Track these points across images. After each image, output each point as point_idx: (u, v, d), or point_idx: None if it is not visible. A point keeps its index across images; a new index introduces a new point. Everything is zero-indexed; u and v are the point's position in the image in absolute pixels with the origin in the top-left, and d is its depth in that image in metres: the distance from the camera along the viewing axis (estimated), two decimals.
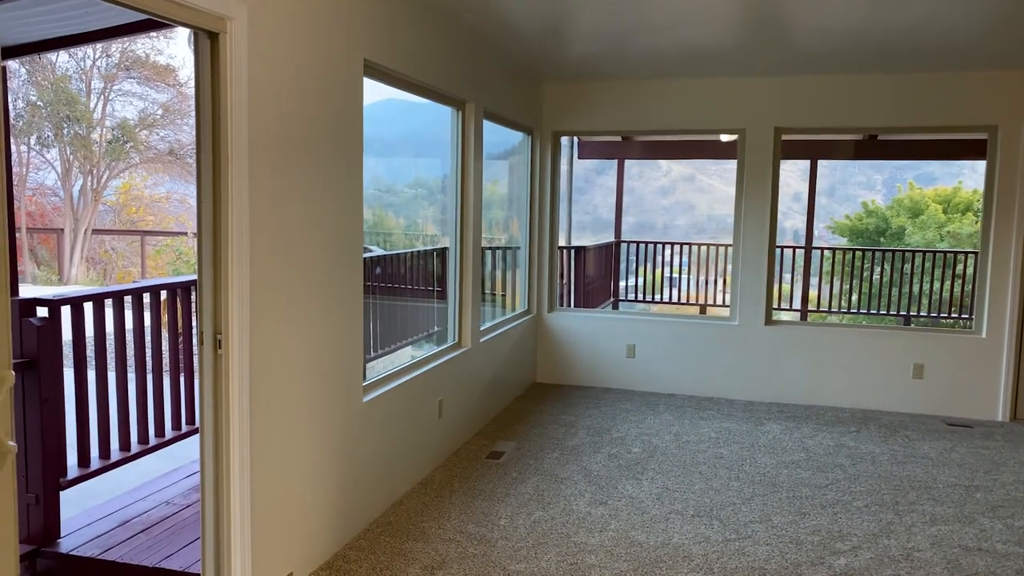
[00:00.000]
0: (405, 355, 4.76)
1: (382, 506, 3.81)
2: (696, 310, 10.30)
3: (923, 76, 5.55)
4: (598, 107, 6.21)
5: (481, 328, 5.29)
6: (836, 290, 9.81)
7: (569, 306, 6.75)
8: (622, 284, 10.84)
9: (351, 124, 3.33)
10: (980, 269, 5.71)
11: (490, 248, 6.14)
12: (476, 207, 4.93)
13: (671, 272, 10.76)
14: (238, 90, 2.52)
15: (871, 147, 9.02)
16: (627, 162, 11.04)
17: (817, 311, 10.00)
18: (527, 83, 6.03)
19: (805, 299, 10.15)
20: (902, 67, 5.41)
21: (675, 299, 10.69)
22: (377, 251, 4.93)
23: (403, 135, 5.93)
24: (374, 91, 3.59)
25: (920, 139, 8.42)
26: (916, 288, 9.65)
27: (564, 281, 8.10)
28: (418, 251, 5.25)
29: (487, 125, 5.15)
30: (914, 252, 9.67)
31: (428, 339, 5.07)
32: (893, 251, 10.47)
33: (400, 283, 5.77)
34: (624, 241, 10.91)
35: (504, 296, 6.56)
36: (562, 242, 6.77)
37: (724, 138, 7.84)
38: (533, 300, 6.49)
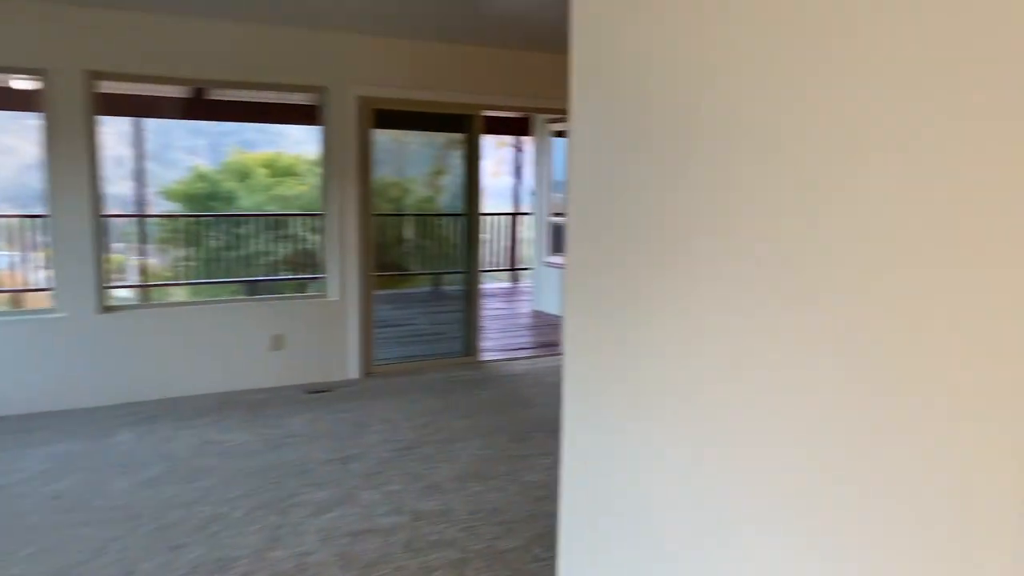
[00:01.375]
0: None
1: None
2: (6, 299, 8.25)
3: (262, 28, 5.15)
4: None
5: None
6: (174, 260, 9.08)
7: None
8: None
9: None
10: (325, 232, 5.71)
11: None
12: None
13: None
14: None
15: (200, 107, 8.44)
16: None
17: (157, 285, 9.11)
18: None
19: (145, 274, 9.13)
20: (237, 14, 4.91)
21: None
22: None
23: None
24: None
25: (253, 101, 8.16)
26: (253, 251, 9.59)
27: None
28: None
29: None
30: (253, 216, 9.59)
31: None
32: (232, 215, 10.23)
33: None
34: None
35: None
36: None
37: (15, 83, 6.18)
38: None
